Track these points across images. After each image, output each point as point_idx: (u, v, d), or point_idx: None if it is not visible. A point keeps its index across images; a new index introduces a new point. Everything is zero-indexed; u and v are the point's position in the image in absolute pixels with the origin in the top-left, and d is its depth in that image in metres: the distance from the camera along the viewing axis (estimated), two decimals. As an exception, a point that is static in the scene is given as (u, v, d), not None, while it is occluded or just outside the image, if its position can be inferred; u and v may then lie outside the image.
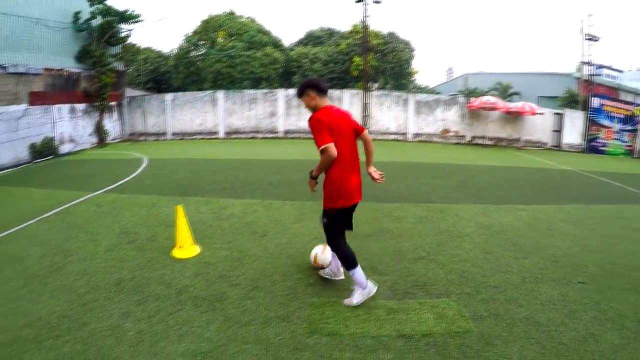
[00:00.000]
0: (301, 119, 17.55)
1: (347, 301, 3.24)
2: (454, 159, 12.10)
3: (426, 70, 78.31)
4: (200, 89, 19.87)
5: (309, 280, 3.69)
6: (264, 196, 6.84)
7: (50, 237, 4.98)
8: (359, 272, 3.17)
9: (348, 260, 3.17)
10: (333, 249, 3.31)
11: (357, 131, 3.22)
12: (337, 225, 3.20)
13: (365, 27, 17.78)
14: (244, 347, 2.73)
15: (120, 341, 2.82)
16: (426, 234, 4.94)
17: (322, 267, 3.77)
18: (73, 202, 6.61)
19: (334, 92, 17.60)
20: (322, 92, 3.13)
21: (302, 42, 30.96)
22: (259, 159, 11.32)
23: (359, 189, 3.23)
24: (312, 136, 3.02)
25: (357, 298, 3.20)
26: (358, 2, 17.42)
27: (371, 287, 3.24)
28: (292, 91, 17.87)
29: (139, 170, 9.55)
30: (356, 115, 16.91)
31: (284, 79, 26.48)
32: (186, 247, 4.36)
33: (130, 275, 3.90)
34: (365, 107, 17.03)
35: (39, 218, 5.79)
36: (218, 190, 7.36)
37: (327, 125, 2.95)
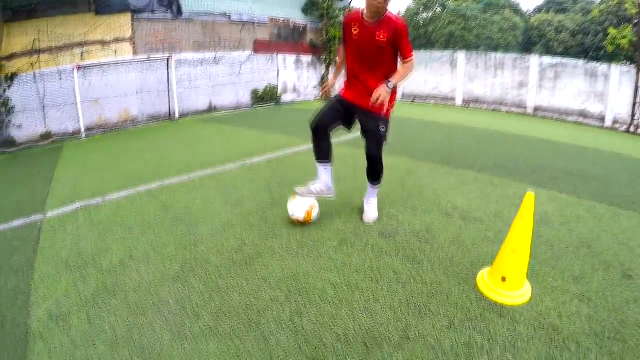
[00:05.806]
0: (555, 94, 13.48)
1: (371, 218, 3.03)
2: None
3: None
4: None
5: None
6: (576, 192, 3.94)
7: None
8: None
9: (383, 172, 3.02)
10: (380, 159, 2.94)
11: None
12: None
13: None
14: None
15: None
16: None
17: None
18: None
19: (598, 66, 12.53)
20: None
21: (541, 9, 27.65)
22: (526, 136, 8.03)
23: None
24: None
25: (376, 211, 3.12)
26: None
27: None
28: (547, 59, 13.99)
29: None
30: (622, 100, 12.03)
31: (523, 49, 23.19)
32: (514, 281, 2.00)
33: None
34: (637, 90, 11.46)
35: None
36: (497, 168, 4.89)
37: None
